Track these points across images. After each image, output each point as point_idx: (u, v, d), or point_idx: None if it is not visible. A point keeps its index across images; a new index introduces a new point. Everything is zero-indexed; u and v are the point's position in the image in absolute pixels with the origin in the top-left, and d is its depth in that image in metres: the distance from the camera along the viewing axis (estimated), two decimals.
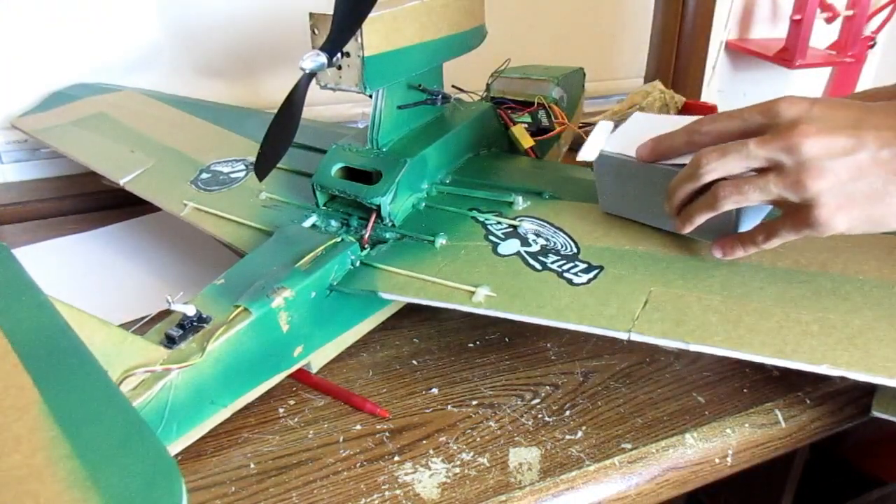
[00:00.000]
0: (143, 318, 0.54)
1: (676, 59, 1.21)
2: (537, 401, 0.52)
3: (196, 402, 0.45)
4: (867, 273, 0.48)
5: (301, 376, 0.54)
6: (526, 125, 0.71)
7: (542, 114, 0.71)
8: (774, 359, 0.42)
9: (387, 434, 0.49)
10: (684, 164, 0.47)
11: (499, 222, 0.57)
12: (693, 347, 0.44)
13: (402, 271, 0.53)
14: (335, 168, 0.60)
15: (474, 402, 0.52)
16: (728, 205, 0.45)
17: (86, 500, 0.26)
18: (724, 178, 0.45)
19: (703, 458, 0.49)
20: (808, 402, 0.52)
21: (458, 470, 0.46)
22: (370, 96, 0.57)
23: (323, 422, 0.50)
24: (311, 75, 0.52)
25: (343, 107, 0.99)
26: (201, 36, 0.92)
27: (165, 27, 0.90)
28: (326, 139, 0.65)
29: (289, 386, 0.53)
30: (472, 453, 0.47)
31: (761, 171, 0.43)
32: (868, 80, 1.35)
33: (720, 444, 0.49)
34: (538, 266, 0.51)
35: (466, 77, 0.71)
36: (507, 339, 0.59)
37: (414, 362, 0.57)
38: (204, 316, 0.48)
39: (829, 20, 1.21)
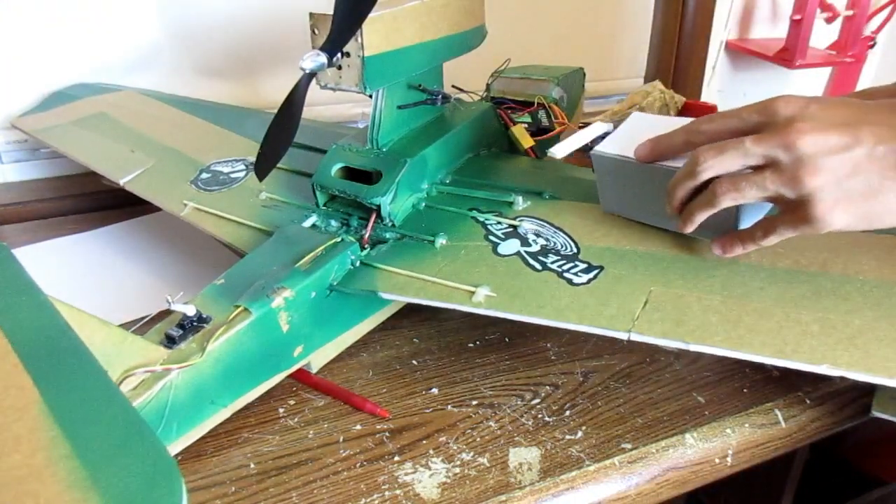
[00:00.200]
0: (143, 318, 0.54)
1: (676, 59, 1.21)
2: (537, 401, 0.52)
3: (196, 402, 0.45)
4: (867, 273, 0.48)
5: (301, 376, 0.54)
6: (526, 125, 0.71)
7: (542, 114, 0.71)
8: (774, 359, 0.42)
9: (387, 434, 0.49)
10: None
11: (499, 222, 0.57)
12: (693, 347, 0.44)
13: (402, 271, 0.53)
14: (335, 168, 0.60)
15: (474, 402, 0.52)
16: (726, 201, 0.45)
17: (86, 501, 0.26)
18: (721, 176, 0.45)
19: (703, 458, 0.49)
20: (808, 402, 0.52)
21: (458, 470, 0.46)
22: (370, 96, 0.57)
23: (323, 422, 0.50)
24: (311, 75, 0.52)
25: (343, 107, 0.99)
26: (201, 36, 0.92)
27: (165, 27, 0.90)
28: (326, 139, 0.65)
29: (289, 386, 0.53)
30: (472, 453, 0.47)
31: (758, 169, 0.43)
32: (868, 80, 1.35)
33: (720, 444, 0.49)
34: (538, 266, 0.51)
35: (466, 77, 0.71)
36: (507, 339, 0.59)
37: (414, 362, 0.57)
38: (204, 316, 0.48)
39: (829, 20, 1.21)
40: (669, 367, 0.56)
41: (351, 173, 0.61)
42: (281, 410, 0.51)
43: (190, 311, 0.47)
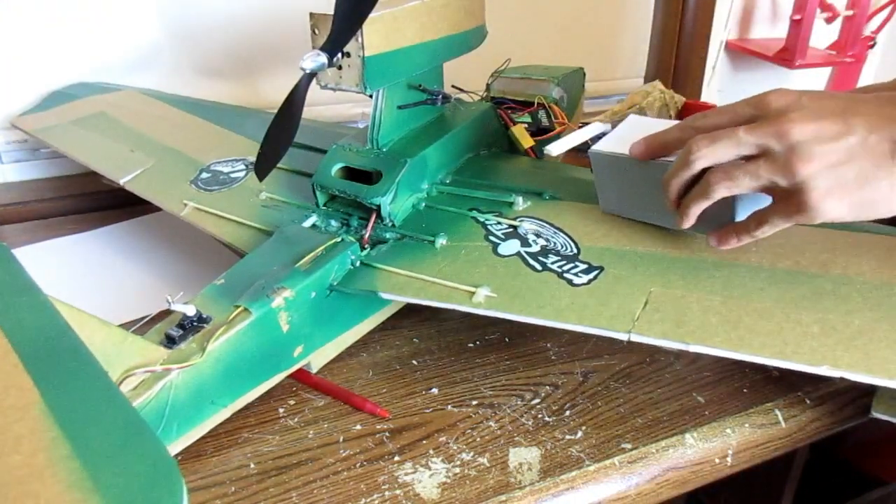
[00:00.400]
0: (143, 318, 0.54)
1: (676, 59, 1.21)
2: (537, 401, 0.52)
3: (196, 402, 0.45)
4: (867, 274, 0.48)
5: (301, 376, 0.54)
6: (526, 125, 0.71)
7: (542, 114, 0.71)
8: (774, 360, 0.42)
9: (387, 434, 0.49)
10: None
11: (499, 222, 0.57)
12: (693, 348, 0.44)
13: (402, 271, 0.53)
14: (335, 168, 0.60)
15: (474, 402, 0.52)
16: (720, 191, 0.45)
17: (86, 501, 0.26)
18: (715, 166, 0.45)
19: (703, 458, 0.49)
20: (808, 402, 0.52)
21: (458, 470, 0.46)
22: (370, 96, 0.57)
23: (323, 422, 0.50)
24: (311, 75, 0.52)
25: (343, 107, 0.99)
26: (201, 36, 0.92)
27: (165, 27, 0.90)
28: (326, 139, 0.65)
29: (289, 386, 0.53)
30: (472, 453, 0.47)
31: (752, 158, 0.44)
32: (868, 79, 1.34)
33: (720, 444, 0.49)
34: (538, 266, 0.51)
35: (466, 77, 0.71)
36: (507, 339, 0.59)
37: (414, 362, 0.57)
38: (204, 316, 0.48)
39: (829, 20, 1.21)
40: (669, 367, 0.56)
41: (351, 173, 0.61)
42: (281, 410, 0.51)
43: (190, 311, 0.47)
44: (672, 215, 0.49)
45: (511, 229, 0.56)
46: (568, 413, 0.51)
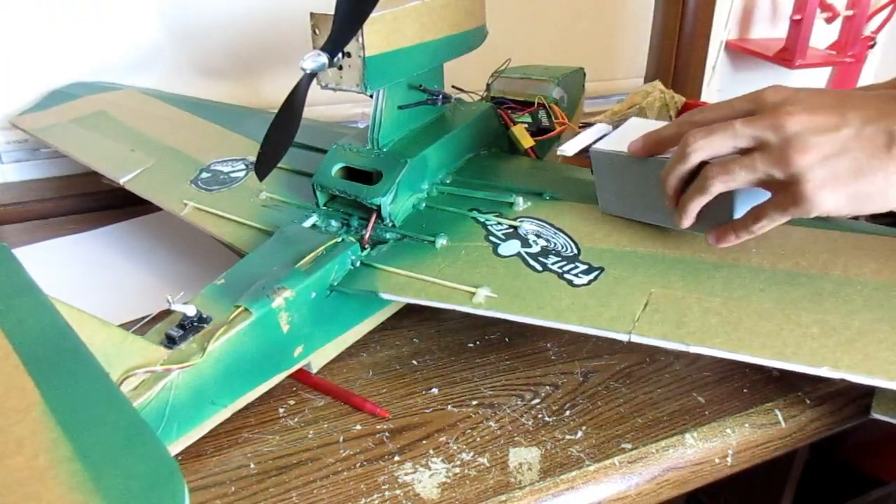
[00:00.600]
0: (143, 318, 0.54)
1: (676, 59, 1.21)
2: (537, 401, 0.52)
3: (196, 402, 0.45)
4: (867, 275, 0.48)
5: (301, 376, 0.54)
6: (526, 125, 0.71)
7: (542, 114, 0.71)
8: (774, 361, 0.43)
9: (387, 434, 0.49)
10: None
11: (499, 223, 0.57)
12: (693, 349, 0.44)
13: (403, 272, 0.53)
14: (335, 168, 0.60)
15: (474, 402, 0.52)
16: (717, 185, 0.45)
17: (88, 503, 0.26)
18: (712, 161, 0.45)
19: (703, 458, 0.49)
20: (808, 402, 0.52)
21: (458, 470, 0.46)
22: (371, 96, 0.57)
23: (323, 422, 0.50)
24: (311, 75, 0.52)
25: (343, 107, 0.99)
26: (201, 36, 0.92)
27: (165, 27, 0.90)
28: (327, 139, 0.65)
29: (289, 386, 0.53)
30: (472, 453, 0.47)
31: (748, 151, 0.44)
32: (868, 79, 1.34)
33: (720, 444, 0.49)
34: (539, 267, 0.51)
35: (467, 77, 0.71)
36: (507, 339, 0.59)
37: (414, 362, 0.57)
38: (204, 316, 0.48)
39: (829, 20, 1.21)
40: (669, 367, 0.56)
41: (351, 173, 0.61)
42: (281, 410, 0.51)
43: (190, 311, 0.47)
44: (671, 214, 0.49)
45: (511, 230, 0.56)
46: (568, 413, 0.51)
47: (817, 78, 1.33)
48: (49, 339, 0.34)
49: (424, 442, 0.48)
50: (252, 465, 0.47)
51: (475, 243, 0.55)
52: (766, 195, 0.46)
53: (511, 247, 0.54)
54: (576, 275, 0.50)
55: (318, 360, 0.55)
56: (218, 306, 0.49)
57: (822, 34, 1.23)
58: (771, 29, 1.28)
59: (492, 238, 0.55)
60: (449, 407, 0.52)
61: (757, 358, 0.43)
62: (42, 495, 0.26)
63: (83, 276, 0.71)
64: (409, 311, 0.61)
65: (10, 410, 0.29)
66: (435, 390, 0.53)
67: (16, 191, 0.87)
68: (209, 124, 0.80)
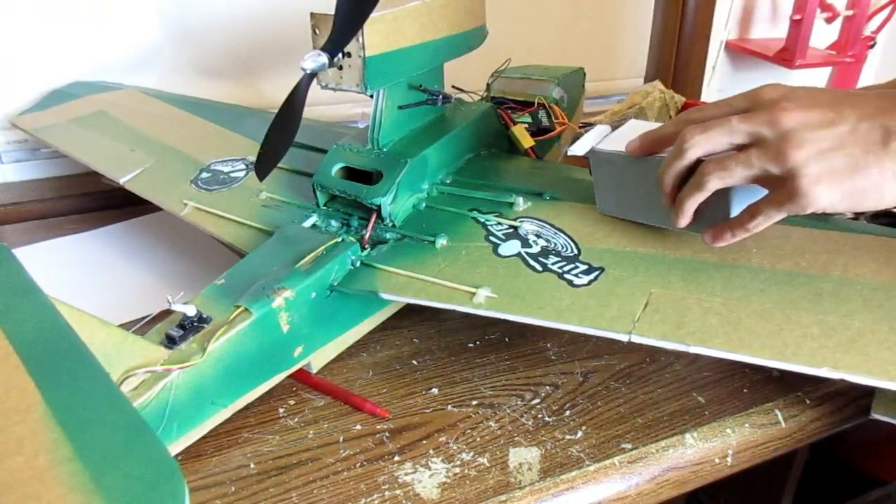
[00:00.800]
0: (143, 318, 0.54)
1: (676, 59, 1.21)
2: (537, 401, 0.52)
3: (196, 402, 0.45)
4: (867, 275, 0.48)
5: (301, 376, 0.54)
6: (526, 125, 0.71)
7: (542, 114, 0.71)
8: (774, 361, 0.43)
9: (387, 434, 0.49)
10: None
11: (499, 223, 0.57)
12: (693, 349, 0.44)
13: (403, 272, 0.53)
14: (336, 168, 0.60)
15: (474, 402, 0.52)
16: (714, 182, 0.45)
17: (88, 503, 0.26)
18: (708, 157, 0.45)
19: (703, 458, 0.49)
20: (808, 402, 0.52)
21: (458, 470, 0.46)
22: (371, 96, 0.57)
23: (323, 422, 0.50)
24: (311, 75, 0.52)
25: (343, 107, 0.99)
26: (201, 36, 0.92)
27: (165, 27, 0.90)
28: (327, 139, 0.65)
29: (289, 386, 0.53)
30: (472, 453, 0.47)
31: (744, 147, 0.44)
32: (868, 79, 1.35)
33: (720, 444, 0.49)
34: (539, 267, 0.51)
35: (467, 77, 0.71)
36: (507, 339, 0.59)
37: (414, 362, 0.57)
38: (204, 316, 0.48)
39: (829, 20, 1.21)
40: (669, 367, 0.56)
41: (351, 173, 0.61)
42: (281, 410, 0.51)
43: (190, 311, 0.47)
44: (668, 214, 0.49)
45: (511, 230, 0.56)
46: (568, 413, 0.51)
47: (817, 78, 1.33)
48: (49, 339, 0.33)
49: (424, 442, 0.48)
50: (252, 465, 0.47)
51: (475, 243, 0.55)
52: (762, 194, 0.46)
53: (511, 247, 0.54)
54: (576, 275, 0.50)
55: (318, 360, 0.55)
56: (218, 306, 0.49)
57: (822, 34, 1.23)
58: (771, 29, 1.28)
59: (492, 238, 0.55)
60: (449, 407, 0.52)
61: (757, 358, 0.43)
62: (42, 495, 0.26)
63: (83, 276, 0.71)
64: (409, 311, 0.61)
65: (10, 410, 0.29)
66: (435, 390, 0.53)
67: (16, 191, 0.87)
68: (209, 124, 0.80)
